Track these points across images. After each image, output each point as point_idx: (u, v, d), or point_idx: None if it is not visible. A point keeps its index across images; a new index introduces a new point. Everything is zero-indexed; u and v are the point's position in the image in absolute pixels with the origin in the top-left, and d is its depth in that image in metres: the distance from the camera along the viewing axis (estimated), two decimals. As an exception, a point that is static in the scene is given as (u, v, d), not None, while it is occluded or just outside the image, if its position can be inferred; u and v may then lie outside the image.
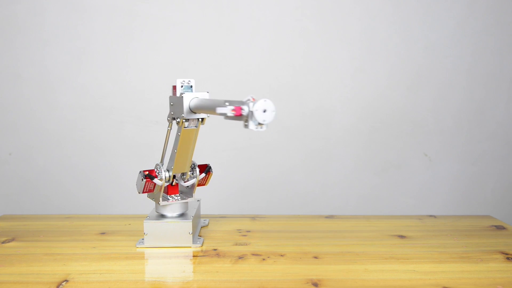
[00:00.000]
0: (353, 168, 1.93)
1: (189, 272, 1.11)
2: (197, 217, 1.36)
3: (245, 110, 0.93)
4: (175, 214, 1.28)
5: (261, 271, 1.11)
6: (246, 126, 0.94)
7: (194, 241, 1.26)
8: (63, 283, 1.03)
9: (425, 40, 1.85)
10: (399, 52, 1.85)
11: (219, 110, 0.95)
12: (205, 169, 1.28)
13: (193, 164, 1.28)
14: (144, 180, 1.23)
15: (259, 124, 0.93)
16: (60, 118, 1.84)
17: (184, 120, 1.18)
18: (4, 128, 1.85)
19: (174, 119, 1.21)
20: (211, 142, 1.88)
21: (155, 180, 1.24)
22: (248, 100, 0.93)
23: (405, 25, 1.84)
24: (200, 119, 1.20)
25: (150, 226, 1.24)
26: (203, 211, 1.61)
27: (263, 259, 1.17)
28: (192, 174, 1.28)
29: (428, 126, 1.90)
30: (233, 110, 0.94)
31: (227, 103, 0.98)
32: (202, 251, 1.23)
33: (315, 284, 1.03)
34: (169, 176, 1.25)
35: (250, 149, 1.90)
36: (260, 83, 1.85)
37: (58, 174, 1.89)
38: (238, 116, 0.94)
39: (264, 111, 0.92)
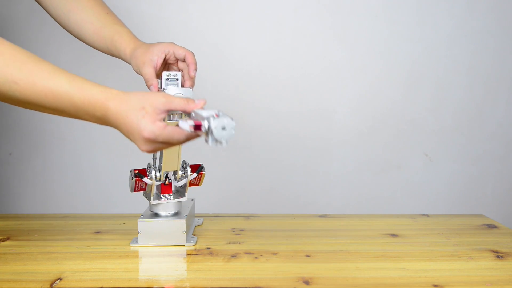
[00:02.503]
0: (353, 168, 1.93)
1: (182, 270, 1.12)
2: (191, 216, 1.37)
3: (204, 126, 0.93)
4: (169, 213, 1.28)
5: (253, 269, 1.12)
6: (206, 141, 0.94)
7: (187, 240, 1.27)
8: (57, 282, 1.04)
9: (425, 40, 1.85)
10: (399, 52, 1.85)
11: (181, 124, 0.95)
12: (197, 169, 1.29)
13: (185, 163, 1.28)
14: (134, 179, 1.24)
15: (217, 141, 0.93)
16: (59, 118, 1.85)
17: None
18: (4, 128, 1.87)
19: None
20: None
21: (145, 179, 1.25)
22: (211, 116, 0.93)
23: (405, 25, 1.84)
24: (182, 113, 1.20)
25: (144, 225, 1.26)
26: (201, 211, 1.61)
27: (256, 258, 1.18)
28: (184, 173, 1.28)
29: (428, 126, 1.91)
30: (192, 126, 0.93)
31: (193, 114, 0.98)
32: (195, 249, 1.24)
33: (307, 282, 1.04)
34: (160, 175, 1.26)
35: (250, 149, 1.90)
36: (260, 83, 1.86)
37: (58, 174, 1.90)
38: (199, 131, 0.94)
39: (223, 128, 0.91)
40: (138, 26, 1.78)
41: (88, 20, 1.33)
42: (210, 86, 1.84)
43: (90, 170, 1.90)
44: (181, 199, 1.29)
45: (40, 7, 1.41)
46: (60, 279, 1.05)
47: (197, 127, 0.93)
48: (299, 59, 1.85)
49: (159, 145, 0.97)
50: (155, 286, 1.04)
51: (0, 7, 1.79)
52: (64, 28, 1.39)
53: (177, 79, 1.21)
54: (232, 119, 0.92)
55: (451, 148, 1.92)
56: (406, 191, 1.94)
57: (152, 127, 0.94)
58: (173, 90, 1.18)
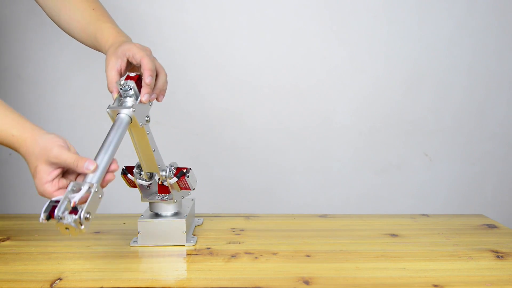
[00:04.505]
0: (353, 168, 1.93)
1: (182, 270, 1.12)
2: (191, 216, 1.37)
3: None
4: (169, 213, 1.28)
5: (253, 269, 1.12)
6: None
7: (187, 240, 1.27)
8: (57, 282, 1.04)
9: (425, 40, 1.85)
10: (399, 52, 1.86)
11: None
12: (178, 173, 1.26)
13: (172, 166, 1.27)
14: (121, 174, 1.27)
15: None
16: (59, 118, 1.85)
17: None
18: (4, 128, 1.86)
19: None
20: (211, 142, 1.89)
21: (129, 176, 1.25)
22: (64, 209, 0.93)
23: (405, 25, 1.84)
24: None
25: (144, 225, 1.26)
26: (201, 211, 1.61)
27: (256, 258, 1.18)
28: (165, 176, 1.27)
29: (428, 126, 1.91)
30: (44, 218, 0.94)
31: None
32: (195, 249, 1.24)
33: (306, 282, 1.04)
34: (144, 174, 1.26)
35: (250, 149, 1.90)
36: (260, 83, 1.86)
37: (58, 174, 1.90)
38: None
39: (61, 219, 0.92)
40: (138, 26, 1.79)
41: (75, 18, 1.33)
42: (210, 86, 1.85)
43: (90, 170, 1.89)
44: (169, 200, 1.28)
45: (40, 7, 1.41)
46: (60, 279, 1.05)
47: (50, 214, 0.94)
48: (299, 59, 1.85)
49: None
50: (155, 286, 1.04)
51: (0, 7, 1.79)
52: (58, 26, 1.39)
53: (130, 88, 1.12)
54: (81, 214, 0.91)
55: (451, 148, 1.92)
56: (406, 191, 1.94)
57: (40, 189, 1.01)
58: (129, 102, 1.14)
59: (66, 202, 0.92)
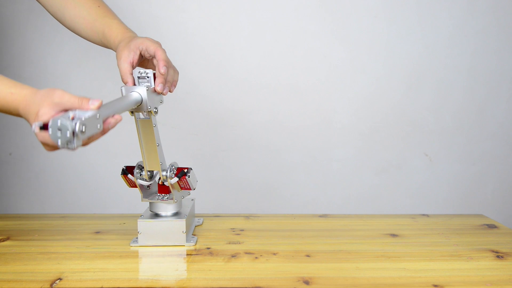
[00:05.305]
0: (353, 168, 1.93)
1: (182, 270, 1.12)
2: (191, 216, 1.37)
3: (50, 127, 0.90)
4: (169, 213, 1.28)
5: (253, 269, 1.12)
6: None
7: (187, 240, 1.27)
8: (57, 281, 1.04)
9: (425, 40, 1.85)
10: (399, 52, 1.85)
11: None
12: (179, 173, 1.26)
13: (173, 166, 1.27)
14: (121, 174, 1.27)
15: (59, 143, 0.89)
16: (59, 118, 1.85)
17: (133, 111, 1.18)
18: (4, 128, 1.86)
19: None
20: (211, 142, 1.89)
21: (130, 176, 1.25)
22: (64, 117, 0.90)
23: (405, 25, 1.84)
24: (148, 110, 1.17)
25: (144, 225, 1.26)
26: (201, 211, 1.61)
27: (256, 258, 1.18)
28: (165, 176, 1.27)
29: (428, 126, 1.90)
30: (37, 127, 0.92)
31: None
32: (195, 249, 1.24)
33: (307, 282, 1.04)
34: (145, 174, 1.26)
35: (250, 149, 1.90)
36: (260, 83, 1.86)
37: (58, 174, 1.89)
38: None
39: (59, 129, 0.89)
40: (138, 26, 1.78)
41: (80, 15, 1.34)
42: (210, 85, 1.84)
43: (89, 170, 1.89)
44: (169, 200, 1.28)
45: (41, 6, 1.41)
46: (60, 279, 1.05)
47: (44, 127, 0.91)
48: (299, 59, 1.85)
49: (48, 147, 0.98)
50: (155, 286, 1.04)
51: (0, 7, 1.79)
52: (62, 24, 1.39)
53: (148, 77, 1.18)
54: (77, 123, 0.89)
55: (451, 148, 1.92)
56: (406, 191, 1.94)
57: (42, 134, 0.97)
58: (130, 88, 1.16)
59: (64, 117, 0.90)
